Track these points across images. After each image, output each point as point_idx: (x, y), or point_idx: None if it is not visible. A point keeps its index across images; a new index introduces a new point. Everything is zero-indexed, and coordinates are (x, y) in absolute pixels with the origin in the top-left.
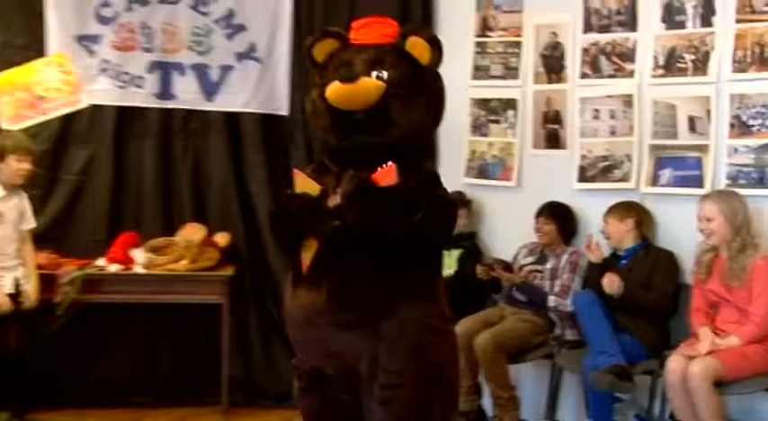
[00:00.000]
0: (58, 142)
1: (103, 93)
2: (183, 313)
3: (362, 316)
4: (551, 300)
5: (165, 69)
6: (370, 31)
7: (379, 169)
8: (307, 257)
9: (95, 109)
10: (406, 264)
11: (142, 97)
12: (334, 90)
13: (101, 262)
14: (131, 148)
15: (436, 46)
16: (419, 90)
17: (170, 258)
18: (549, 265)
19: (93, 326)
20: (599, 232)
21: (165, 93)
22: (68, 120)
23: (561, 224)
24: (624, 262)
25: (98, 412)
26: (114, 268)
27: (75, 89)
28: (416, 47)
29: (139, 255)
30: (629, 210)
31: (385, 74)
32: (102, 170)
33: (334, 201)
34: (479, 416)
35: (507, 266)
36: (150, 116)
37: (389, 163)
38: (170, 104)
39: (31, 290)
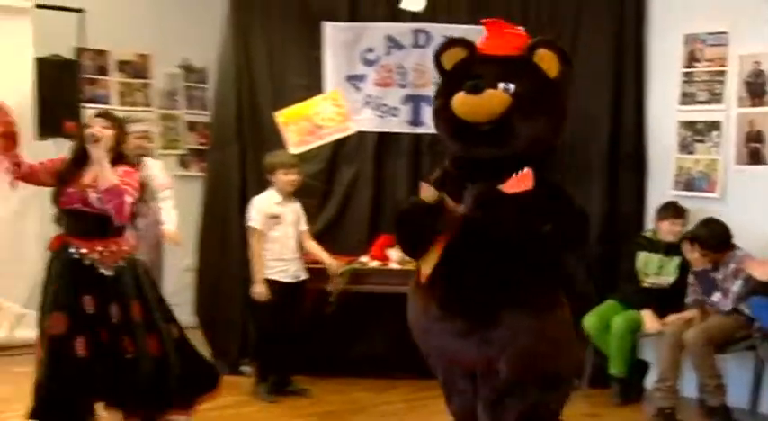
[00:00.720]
0: (331, 162)
1: (367, 121)
2: None
3: (472, 323)
4: (715, 296)
5: (415, 101)
6: (500, 42)
7: (513, 175)
8: (426, 267)
9: (360, 134)
10: (523, 273)
11: (397, 124)
12: (460, 101)
13: (363, 259)
14: (388, 166)
15: (565, 59)
16: (544, 104)
17: None
18: (720, 275)
19: (358, 312)
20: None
21: (416, 120)
22: (339, 143)
23: (715, 248)
24: None
25: (361, 381)
26: (374, 264)
27: (345, 119)
28: (545, 59)
29: (394, 254)
30: None
31: (512, 86)
32: (365, 184)
33: (460, 209)
34: (672, 414)
35: None
36: (404, 140)
37: (526, 169)
38: (420, 130)
39: (333, 268)
